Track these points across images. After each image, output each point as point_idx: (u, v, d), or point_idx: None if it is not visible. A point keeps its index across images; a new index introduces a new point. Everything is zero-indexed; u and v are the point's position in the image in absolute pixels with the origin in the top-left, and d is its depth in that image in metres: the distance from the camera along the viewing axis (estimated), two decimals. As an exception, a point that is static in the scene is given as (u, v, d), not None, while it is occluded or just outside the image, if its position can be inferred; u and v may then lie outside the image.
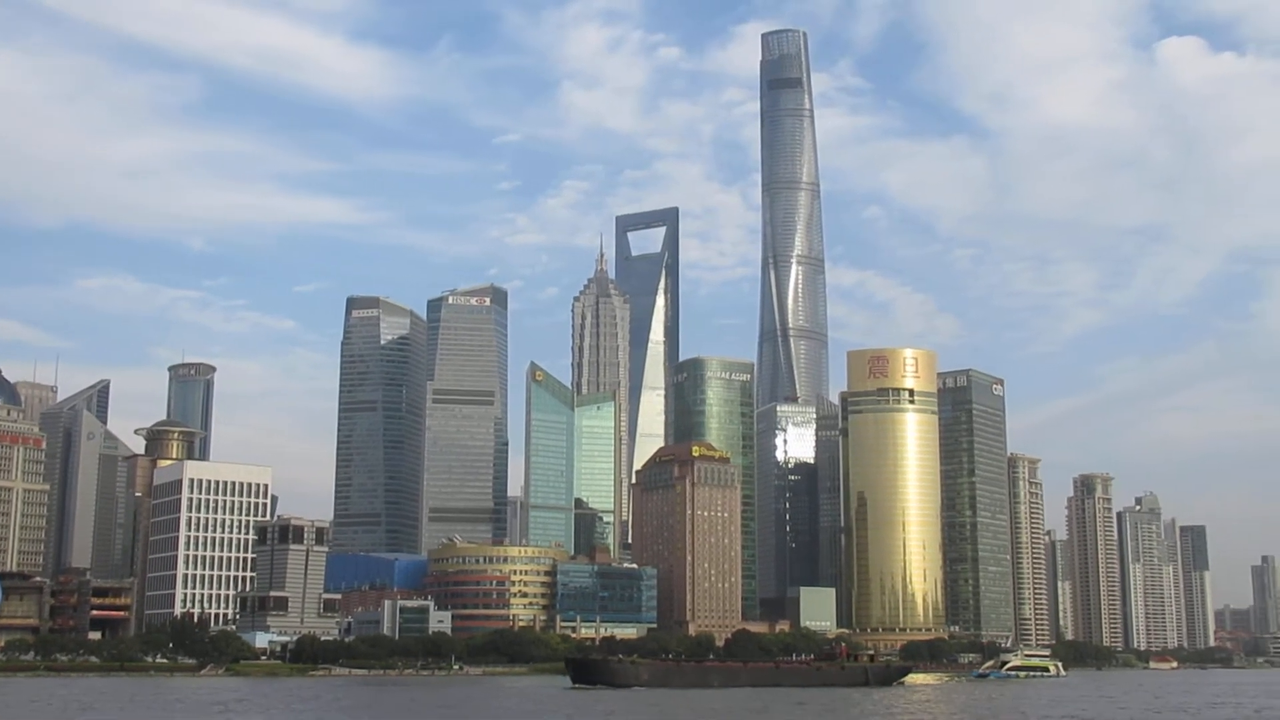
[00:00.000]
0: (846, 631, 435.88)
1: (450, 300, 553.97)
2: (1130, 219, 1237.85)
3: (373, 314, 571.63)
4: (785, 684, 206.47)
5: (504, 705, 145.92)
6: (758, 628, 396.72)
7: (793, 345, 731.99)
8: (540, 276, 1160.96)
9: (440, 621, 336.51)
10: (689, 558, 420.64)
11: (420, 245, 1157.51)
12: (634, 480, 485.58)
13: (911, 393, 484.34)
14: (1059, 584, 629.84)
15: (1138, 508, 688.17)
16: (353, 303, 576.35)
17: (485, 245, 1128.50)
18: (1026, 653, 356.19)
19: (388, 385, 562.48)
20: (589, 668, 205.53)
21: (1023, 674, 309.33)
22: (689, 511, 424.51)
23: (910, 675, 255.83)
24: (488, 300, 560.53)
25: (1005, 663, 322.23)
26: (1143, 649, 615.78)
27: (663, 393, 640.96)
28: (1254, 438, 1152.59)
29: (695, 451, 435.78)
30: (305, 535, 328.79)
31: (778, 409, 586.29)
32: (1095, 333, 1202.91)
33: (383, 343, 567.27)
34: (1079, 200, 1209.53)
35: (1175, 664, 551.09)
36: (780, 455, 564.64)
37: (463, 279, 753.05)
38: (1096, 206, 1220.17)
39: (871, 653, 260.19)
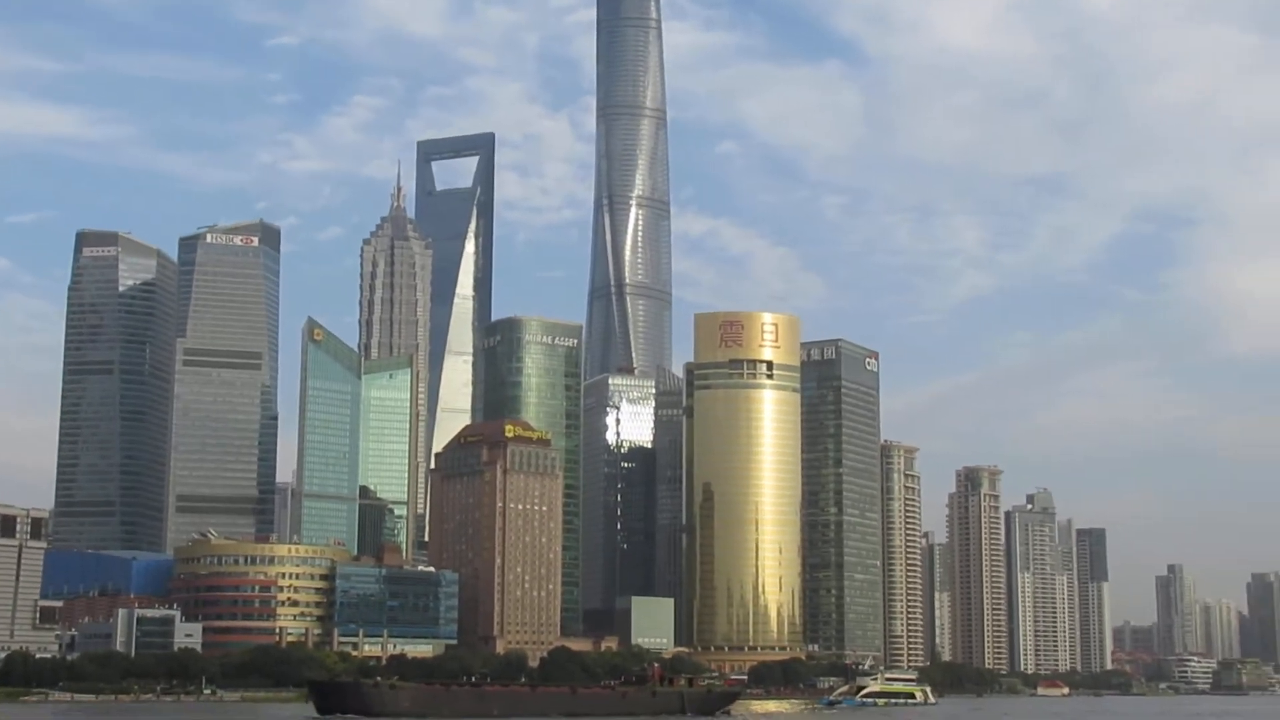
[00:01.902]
0: (686, 650, 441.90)
1: (208, 239, 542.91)
2: (1027, 167, 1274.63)
3: (109, 253, 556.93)
4: (582, 713, 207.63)
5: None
6: (580, 645, 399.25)
7: (629, 305, 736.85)
8: (322, 213, 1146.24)
9: (188, 635, 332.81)
10: (499, 560, 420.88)
11: (171, 170, 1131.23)
12: (433, 465, 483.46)
13: (769, 365, 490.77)
14: (936, 595, 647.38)
15: (1029, 507, 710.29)
16: (84, 239, 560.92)
17: (253, 173, 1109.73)
18: (888, 676, 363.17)
19: (127, 342, 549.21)
20: (336, 693, 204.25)
21: (882, 701, 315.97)
22: (500, 504, 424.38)
23: (759, 702, 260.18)
24: (255, 240, 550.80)
25: (862, 688, 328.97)
26: (1030, 672, 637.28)
27: (470, 359, 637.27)
28: (1162, 428, 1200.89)
29: (509, 431, 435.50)
30: (17, 528, 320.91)
31: (610, 382, 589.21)
32: (984, 300, 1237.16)
33: (121, 289, 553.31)
34: (969, 143, 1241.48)
35: (1067, 690, 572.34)
36: (611, 438, 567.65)
37: (224, 214, 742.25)
38: (989, 151, 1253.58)
39: (690, 677, 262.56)
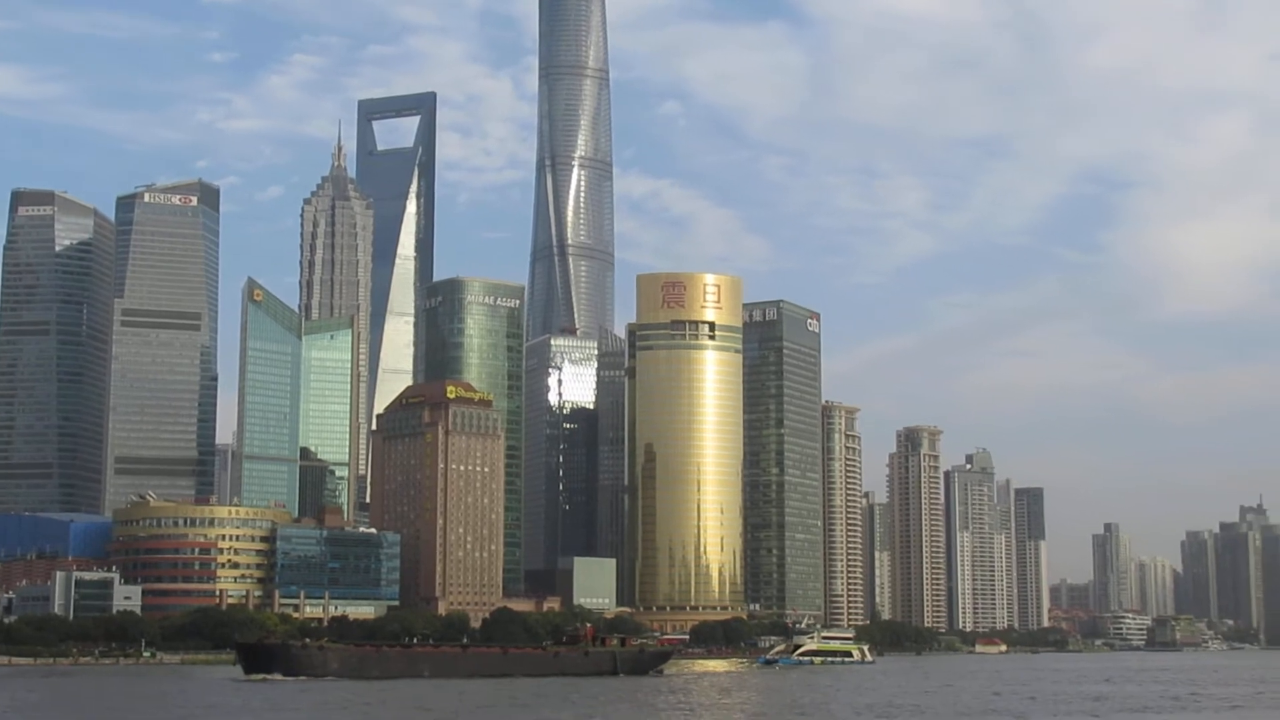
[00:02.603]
0: (628, 610, 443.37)
1: (146, 198, 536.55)
2: (967, 129, 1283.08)
3: (45, 212, 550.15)
4: (514, 673, 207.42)
5: (132, 705, 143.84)
6: (522, 606, 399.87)
7: (571, 266, 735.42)
8: (262, 173, 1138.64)
9: (128, 598, 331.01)
10: (440, 521, 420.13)
11: (108, 129, 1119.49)
12: (374, 426, 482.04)
13: (712, 326, 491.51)
14: (876, 555, 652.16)
15: (968, 467, 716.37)
16: (19, 198, 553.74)
17: (192, 132, 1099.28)
18: (824, 635, 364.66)
19: (64, 303, 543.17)
20: (264, 655, 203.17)
21: (818, 660, 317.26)
22: (441, 465, 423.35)
23: (699, 662, 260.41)
24: (194, 199, 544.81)
25: (798, 647, 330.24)
26: (969, 630, 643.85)
27: (412, 320, 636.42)
28: (1100, 389, 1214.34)
29: (450, 392, 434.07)
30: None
31: (552, 343, 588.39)
32: (925, 262, 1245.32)
33: (58, 249, 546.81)
34: (910, 105, 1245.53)
35: (1004, 647, 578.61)
36: (554, 398, 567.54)
37: (163, 173, 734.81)
38: (930, 113, 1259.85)
39: (623, 637, 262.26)
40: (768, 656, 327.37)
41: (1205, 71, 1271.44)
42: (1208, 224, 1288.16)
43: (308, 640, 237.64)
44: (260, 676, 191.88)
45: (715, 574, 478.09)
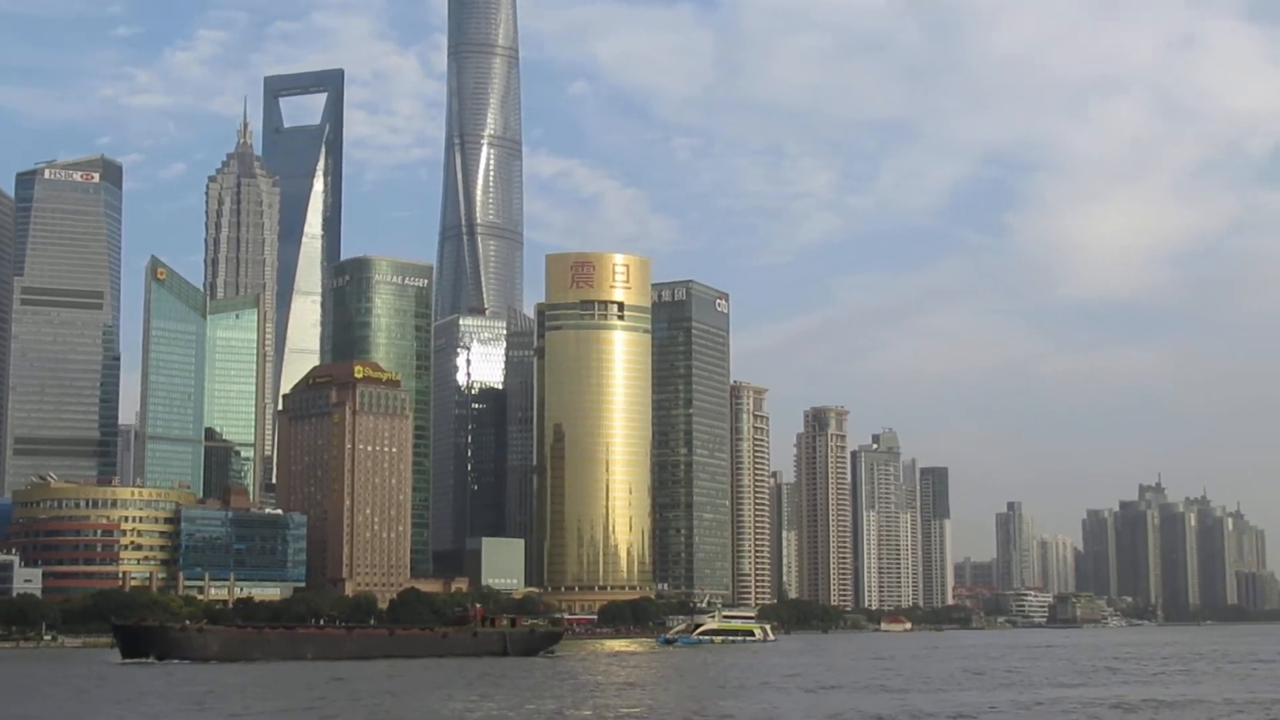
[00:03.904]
0: (537, 590, 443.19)
1: (46, 175, 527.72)
2: (874, 111, 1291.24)
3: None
4: (401, 655, 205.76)
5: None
6: (430, 586, 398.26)
7: (480, 245, 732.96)
8: (165, 149, 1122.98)
9: (28, 581, 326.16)
10: (347, 502, 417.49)
11: (8, 104, 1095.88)
12: (280, 407, 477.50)
13: (621, 306, 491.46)
14: (784, 534, 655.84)
15: (874, 447, 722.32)
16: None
17: (94, 107, 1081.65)
18: (725, 614, 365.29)
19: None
20: (142, 637, 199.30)
21: (719, 639, 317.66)
22: (349, 446, 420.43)
23: (603, 641, 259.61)
24: (96, 176, 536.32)
25: (698, 626, 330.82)
26: (874, 608, 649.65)
27: (319, 299, 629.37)
28: (1003, 369, 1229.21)
29: (358, 372, 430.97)
30: None
31: (460, 322, 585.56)
32: (832, 242, 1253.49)
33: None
34: (817, 87, 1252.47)
35: (909, 625, 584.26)
36: (462, 379, 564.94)
37: (64, 149, 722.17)
38: (837, 95, 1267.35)
39: (513, 617, 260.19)
40: (667, 636, 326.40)
41: (1104, 57, 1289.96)
42: (1108, 207, 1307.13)
43: (187, 622, 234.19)
44: (137, 660, 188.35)
45: (623, 554, 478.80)
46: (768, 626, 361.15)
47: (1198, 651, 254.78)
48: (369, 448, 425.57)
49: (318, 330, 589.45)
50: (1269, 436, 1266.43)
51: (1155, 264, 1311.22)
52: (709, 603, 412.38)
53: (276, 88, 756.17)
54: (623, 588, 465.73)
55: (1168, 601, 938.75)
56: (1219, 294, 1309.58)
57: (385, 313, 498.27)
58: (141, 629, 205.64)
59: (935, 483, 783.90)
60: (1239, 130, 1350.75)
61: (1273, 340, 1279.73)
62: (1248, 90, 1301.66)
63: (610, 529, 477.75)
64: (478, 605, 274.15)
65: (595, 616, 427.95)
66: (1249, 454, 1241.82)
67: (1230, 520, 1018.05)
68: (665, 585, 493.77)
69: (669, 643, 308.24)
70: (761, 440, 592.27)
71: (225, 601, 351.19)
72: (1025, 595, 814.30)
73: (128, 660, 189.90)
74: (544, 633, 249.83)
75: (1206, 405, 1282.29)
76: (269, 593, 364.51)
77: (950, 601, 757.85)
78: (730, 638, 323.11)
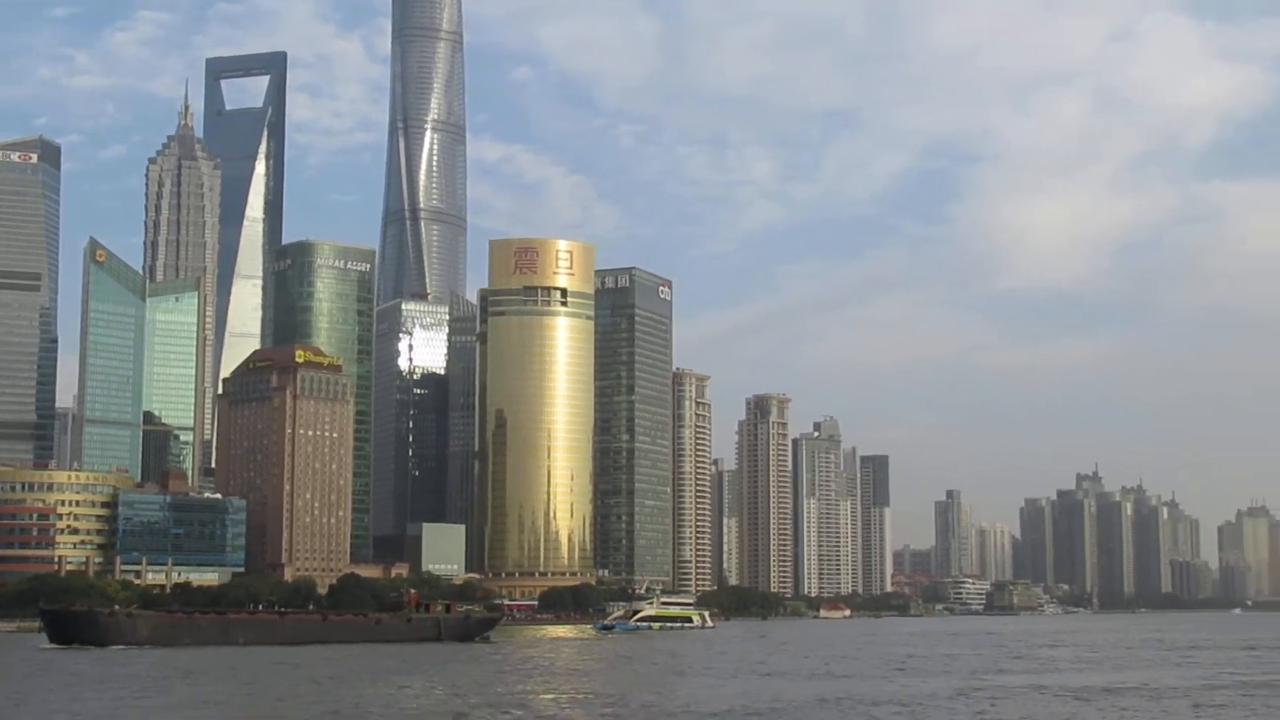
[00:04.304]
0: (477, 576, 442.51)
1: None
2: (818, 101, 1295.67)
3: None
4: (334, 640, 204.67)
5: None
6: (370, 572, 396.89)
7: (423, 230, 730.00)
8: (105, 131, 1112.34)
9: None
10: (288, 487, 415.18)
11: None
12: (220, 391, 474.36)
13: (564, 293, 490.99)
14: (725, 521, 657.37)
15: (816, 435, 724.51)
16: None
17: (33, 88, 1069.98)
18: (664, 600, 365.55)
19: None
20: (70, 622, 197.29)
21: (657, 626, 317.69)
22: (289, 430, 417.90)
23: (544, 628, 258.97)
24: (34, 157, 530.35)
25: (637, 612, 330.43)
26: (814, 595, 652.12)
27: (260, 283, 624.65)
28: (944, 358, 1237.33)
29: (299, 357, 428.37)
30: None
31: (403, 307, 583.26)
32: (775, 231, 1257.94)
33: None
34: (762, 75, 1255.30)
35: (848, 612, 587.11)
36: (404, 364, 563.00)
37: (1, 129, 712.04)
38: (781, 84, 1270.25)
39: (448, 602, 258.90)
40: (605, 622, 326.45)
41: (1046, 49, 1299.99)
42: (1049, 199, 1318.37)
43: (116, 607, 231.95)
44: (65, 645, 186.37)
45: (565, 540, 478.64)
46: (706, 613, 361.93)
47: (1143, 639, 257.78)
48: (309, 432, 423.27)
49: (259, 314, 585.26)
50: (1204, 427, 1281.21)
51: (1095, 256, 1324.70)
52: (648, 589, 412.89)
53: (218, 70, 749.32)
54: (564, 574, 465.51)
55: (1103, 589, 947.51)
56: (1158, 286, 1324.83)
57: (327, 297, 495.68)
58: (69, 614, 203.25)
59: (875, 471, 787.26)
60: (1178, 123, 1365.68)
61: (1209, 332, 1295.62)
62: (1186, 84, 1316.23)
63: (551, 515, 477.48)
64: (412, 591, 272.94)
65: (536, 602, 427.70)
66: (1185, 444, 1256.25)
67: (1165, 510, 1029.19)
68: (606, 571, 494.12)
69: (607, 629, 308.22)
70: (703, 427, 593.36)
71: (163, 586, 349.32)
72: (963, 583, 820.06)
73: (55, 645, 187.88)
74: (479, 619, 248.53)
75: (1144, 396, 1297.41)
76: (207, 578, 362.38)
77: (889, 589, 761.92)
78: (668, 624, 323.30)
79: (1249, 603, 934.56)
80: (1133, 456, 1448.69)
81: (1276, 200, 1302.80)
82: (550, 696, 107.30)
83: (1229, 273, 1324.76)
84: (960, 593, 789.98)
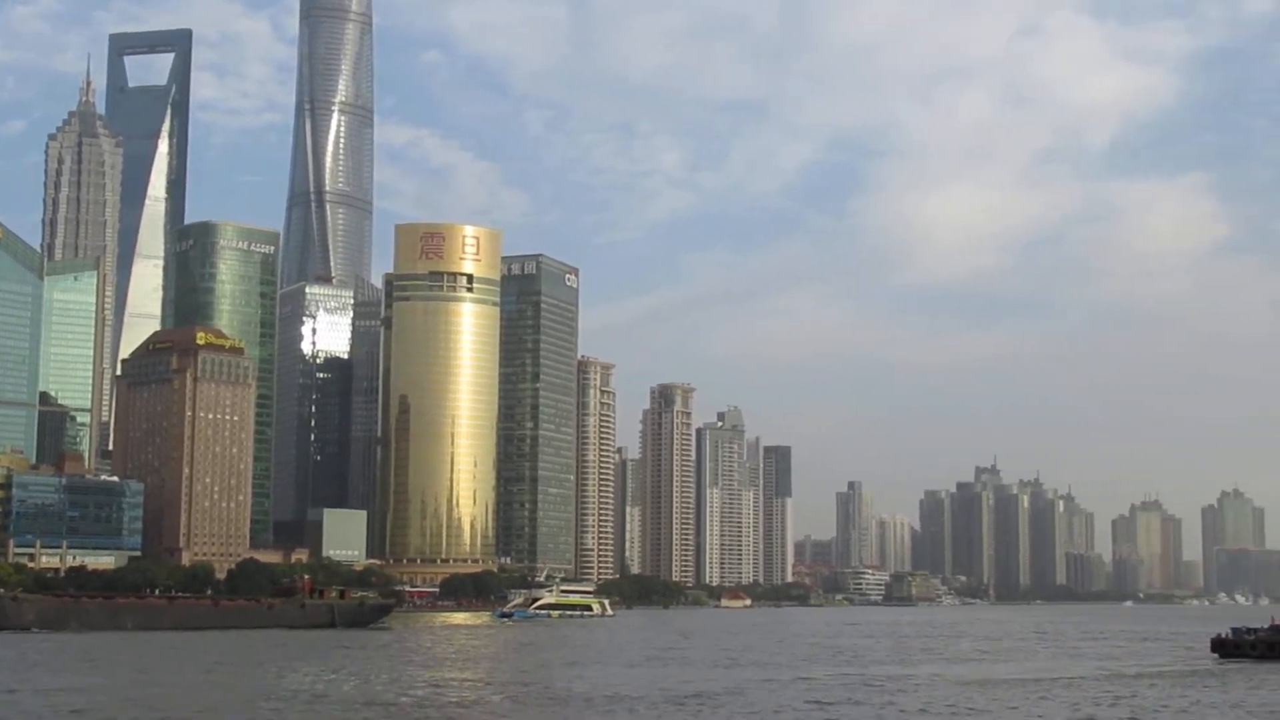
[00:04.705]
0: (379, 562, 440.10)
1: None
2: (726, 91, 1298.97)
3: None
4: (225, 626, 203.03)
5: None
6: (269, 557, 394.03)
7: (329, 213, 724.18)
8: (5, 106, 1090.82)
9: None
10: (186, 471, 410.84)
11: None
12: (119, 372, 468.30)
13: (470, 279, 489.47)
14: (628, 510, 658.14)
15: (719, 424, 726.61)
16: None
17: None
18: (563, 589, 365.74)
19: None
20: None
21: (556, 614, 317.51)
22: (189, 413, 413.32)
23: (441, 615, 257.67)
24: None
25: (536, 600, 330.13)
26: (715, 585, 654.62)
27: (161, 263, 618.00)
28: (847, 350, 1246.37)
29: (200, 339, 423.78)
30: None
31: (307, 290, 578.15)
32: (682, 221, 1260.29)
33: None
34: (671, 65, 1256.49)
35: (749, 602, 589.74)
36: (307, 347, 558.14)
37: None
38: (689, 73, 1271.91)
39: (342, 589, 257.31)
40: (503, 610, 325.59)
41: (952, 45, 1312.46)
42: (952, 193, 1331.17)
43: (1, 591, 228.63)
44: None
45: (467, 527, 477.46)
46: (606, 601, 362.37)
47: (1041, 629, 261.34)
48: (210, 415, 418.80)
49: (159, 295, 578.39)
50: (1100, 422, 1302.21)
51: (997, 251, 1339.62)
52: (547, 577, 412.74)
53: (121, 46, 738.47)
54: (465, 561, 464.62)
55: (1000, 581, 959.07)
56: (1058, 282, 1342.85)
57: (230, 279, 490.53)
58: None
59: (778, 461, 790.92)
60: (1081, 121, 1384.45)
61: (1107, 329, 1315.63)
62: (1089, 83, 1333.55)
63: (454, 502, 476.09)
64: (306, 576, 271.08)
65: (437, 589, 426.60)
66: (1081, 439, 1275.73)
67: (1062, 503, 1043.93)
68: (508, 559, 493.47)
69: (505, 616, 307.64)
70: (608, 416, 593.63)
71: (57, 570, 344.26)
72: (863, 573, 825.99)
73: None
74: (373, 605, 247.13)
75: (1042, 391, 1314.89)
76: (103, 562, 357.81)
77: (790, 579, 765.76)
78: (567, 612, 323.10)
79: (1140, 595, 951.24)
80: (1031, 450, 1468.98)
81: (1173, 200, 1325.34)
82: (445, 684, 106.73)
83: (1127, 270, 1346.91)
84: (860, 583, 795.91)
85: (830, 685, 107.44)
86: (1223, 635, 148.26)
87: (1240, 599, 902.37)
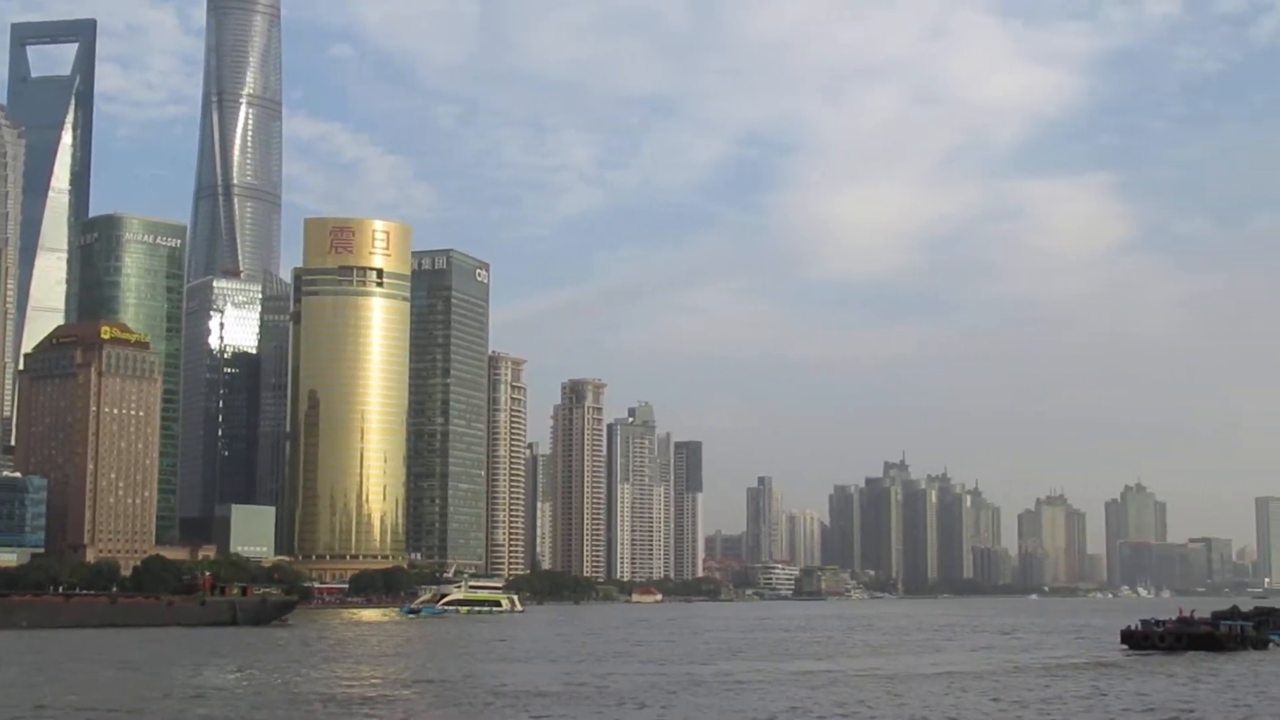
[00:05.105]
0: (287, 559, 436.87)
1: None
2: (637, 87, 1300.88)
3: None
4: (123, 624, 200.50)
5: None
6: (176, 554, 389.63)
7: (237, 207, 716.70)
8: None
9: None
10: (91, 466, 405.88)
11: None
12: (21, 366, 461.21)
13: (380, 273, 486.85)
14: (539, 505, 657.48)
15: (630, 420, 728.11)
16: None
17: None
18: (472, 584, 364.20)
19: None
20: None
21: (464, 609, 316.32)
22: (94, 408, 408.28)
23: (343, 611, 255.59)
24: None
25: (444, 596, 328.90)
26: (627, 580, 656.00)
27: (65, 256, 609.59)
28: (758, 345, 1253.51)
29: (105, 333, 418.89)
30: None
31: (214, 285, 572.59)
32: (593, 216, 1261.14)
33: None
34: (582, 60, 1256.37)
35: (660, 597, 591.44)
36: (215, 342, 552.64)
37: None
38: (601, 69, 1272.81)
39: (245, 585, 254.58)
40: (411, 606, 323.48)
41: (863, 44, 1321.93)
42: (862, 191, 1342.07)
43: None
44: None
45: (377, 523, 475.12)
46: (515, 597, 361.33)
47: (953, 622, 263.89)
48: (115, 410, 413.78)
49: (63, 288, 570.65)
50: (1006, 418, 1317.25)
51: (905, 248, 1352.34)
52: (456, 572, 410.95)
53: (24, 35, 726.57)
54: (375, 557, 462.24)
55: (908, 575, 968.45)
56: (965, 278, 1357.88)
57: (135, 272, 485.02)
58: None
59: (689, 457, 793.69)
60: (987, 121, 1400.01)
61: (1013, 325, 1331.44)
62: (996, 83, 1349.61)
63: (364, 497, 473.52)
64: (207, 573, 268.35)
65: (346, 585, 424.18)
66: (988, 435, 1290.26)
67: (969, 497, 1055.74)
68: (418, 555, 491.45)
69: (413, 613, 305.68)
70: (519, 411, 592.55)
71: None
72: (773, 568, 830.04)
73: None
74: (275, 601, 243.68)
75: (950, 387, 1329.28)
76: (5, 558, 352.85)
77: (700, 574, 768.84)
78: (476, 608, 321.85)
79: (1045, 589, 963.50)
80: (939, 446, 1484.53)
81: (1078, 200, 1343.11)
82: (349, 680, 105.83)
83: (1031, 268, 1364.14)
84: (770, 578, 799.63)
85: (761, 680, 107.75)
86: (1132, 627, 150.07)
87: (1143, 591, 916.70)
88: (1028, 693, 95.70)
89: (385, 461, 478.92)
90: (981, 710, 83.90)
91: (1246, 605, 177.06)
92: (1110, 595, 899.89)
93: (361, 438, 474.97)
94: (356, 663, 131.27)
